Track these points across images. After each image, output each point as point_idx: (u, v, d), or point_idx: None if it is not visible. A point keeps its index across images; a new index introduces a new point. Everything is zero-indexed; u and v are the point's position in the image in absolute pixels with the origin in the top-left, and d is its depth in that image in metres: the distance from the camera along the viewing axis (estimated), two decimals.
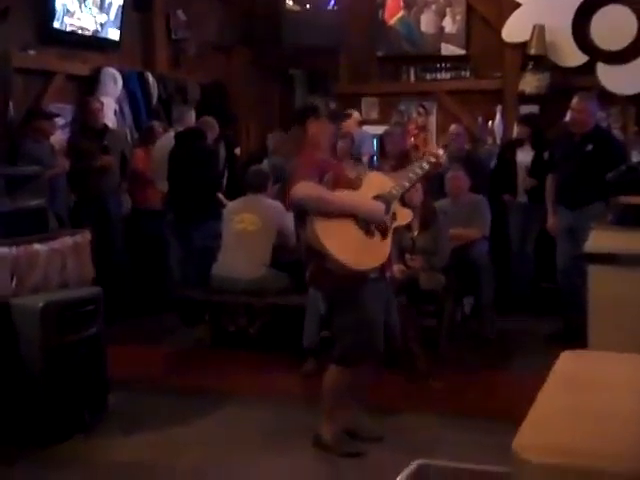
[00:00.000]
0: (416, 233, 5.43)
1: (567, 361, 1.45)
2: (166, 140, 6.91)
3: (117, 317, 5.89)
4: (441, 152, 4.15)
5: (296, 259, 5.67)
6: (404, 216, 4.06)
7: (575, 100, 5.91)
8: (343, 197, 3.77)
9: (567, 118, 6.45)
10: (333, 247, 3.65)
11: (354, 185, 3.90)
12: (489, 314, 6.02)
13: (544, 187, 6.31)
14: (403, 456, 3.85)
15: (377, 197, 3.88)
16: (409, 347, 5.10)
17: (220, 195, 6.82)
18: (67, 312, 4.22)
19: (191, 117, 7.15)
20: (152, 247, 7.02)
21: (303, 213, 3.76)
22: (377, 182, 3.98)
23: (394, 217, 3.93)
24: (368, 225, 3.79)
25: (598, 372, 1.44)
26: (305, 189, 3.68)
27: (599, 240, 4.90)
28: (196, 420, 4.47)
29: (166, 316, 6.56)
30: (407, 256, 5.36)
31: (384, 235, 3.87)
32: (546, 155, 6.07)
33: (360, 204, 3.79)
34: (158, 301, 6.68)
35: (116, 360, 4.70)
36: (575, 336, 5.19)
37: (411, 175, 4.00)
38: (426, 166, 4.04)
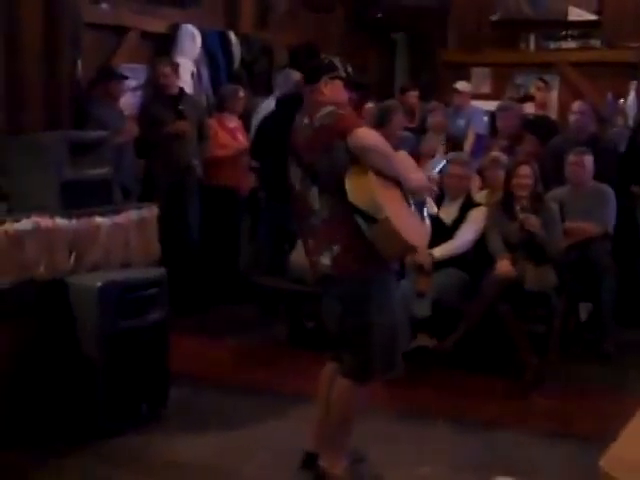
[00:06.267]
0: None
1: None
2: (267, 107, 6.90)
3: (185, 304, 6.03)
4: None
5: None
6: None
7: None
8: (403, 159, 3.68)
9: None
10: (388, 208, 3.41)
11: None
12: (609, 324, 5.90)
13: None
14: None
15: None
16: (519, 357, 5.12)
17: None
18: (128, 294, 4.33)
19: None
20: (223, 229, 7.08)
21: (350, 161, 3.47)
22: None
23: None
24: (408, 200, 3.70)
25: None
26: (375, 136, 3.49)
27: None
28: (265, 423, 4.52)
29: (242, 307, 6.68)
30: (521, 215, 5.29)
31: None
32: None
33: (415, 177, 3.65)
34: (232, 289, 6.78)
35: (180, 351, 4.81)
36: None
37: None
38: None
